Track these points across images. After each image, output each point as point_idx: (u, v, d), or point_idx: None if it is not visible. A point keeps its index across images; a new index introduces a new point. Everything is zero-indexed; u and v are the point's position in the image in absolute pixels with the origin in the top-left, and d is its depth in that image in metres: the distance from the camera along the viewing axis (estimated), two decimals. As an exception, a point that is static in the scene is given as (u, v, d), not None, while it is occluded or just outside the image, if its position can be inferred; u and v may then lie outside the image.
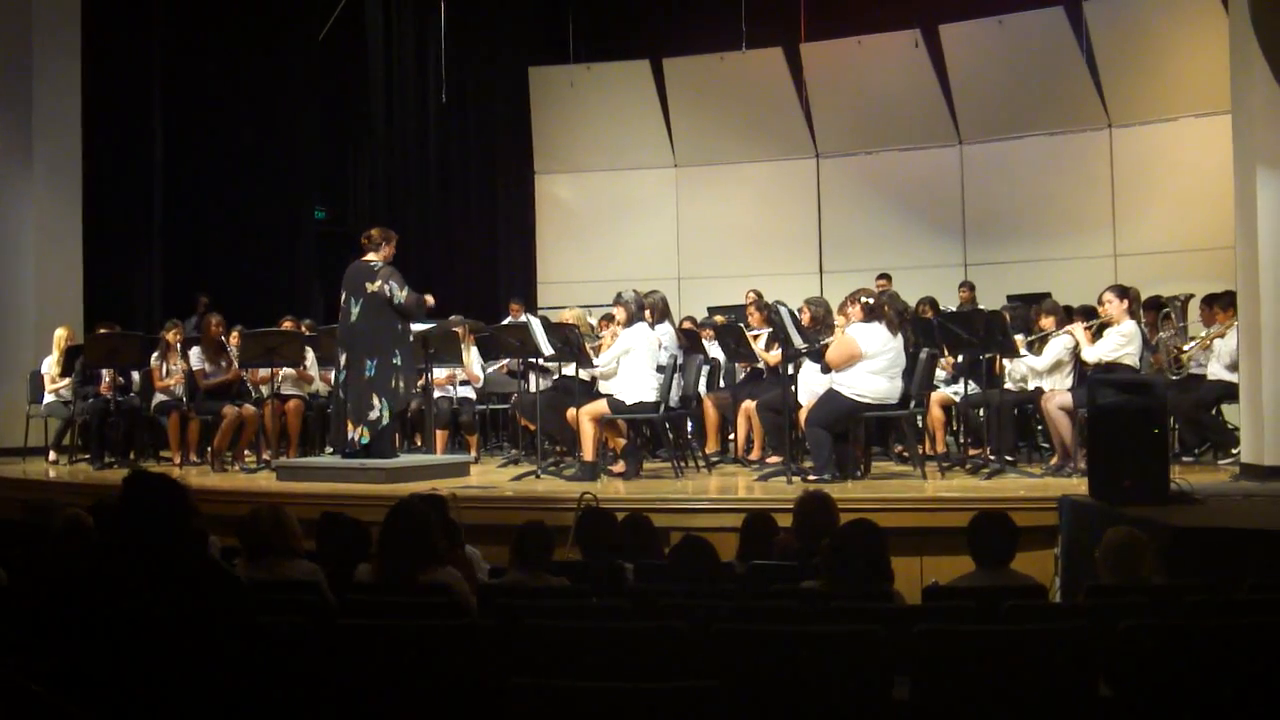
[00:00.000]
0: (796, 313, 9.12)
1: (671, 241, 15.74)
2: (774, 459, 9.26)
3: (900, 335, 8.51)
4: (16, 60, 11.88)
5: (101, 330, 10.80)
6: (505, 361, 11.12)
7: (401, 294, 8.83)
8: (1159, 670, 3.68)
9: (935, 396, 9.39)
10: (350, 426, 8.85)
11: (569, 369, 9.70)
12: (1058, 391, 8.63)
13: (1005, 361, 9.11)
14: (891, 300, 8.83)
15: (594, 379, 9.33)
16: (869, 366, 8.31)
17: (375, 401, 8.84)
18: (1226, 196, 8.69)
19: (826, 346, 8.60)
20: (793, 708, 3.68)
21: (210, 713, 3.42)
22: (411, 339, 9.15)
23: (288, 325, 10.86)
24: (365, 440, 8.82)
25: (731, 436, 10.31)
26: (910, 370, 8.59)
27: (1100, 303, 8.71)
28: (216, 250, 14.06)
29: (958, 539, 5.38)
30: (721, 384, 10.76)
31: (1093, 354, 8.49)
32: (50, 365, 10.97)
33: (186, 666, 3.41)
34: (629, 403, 8.88)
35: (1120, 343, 8.44)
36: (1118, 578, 4.69)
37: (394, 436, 9.31)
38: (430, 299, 9.14)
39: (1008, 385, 9.13)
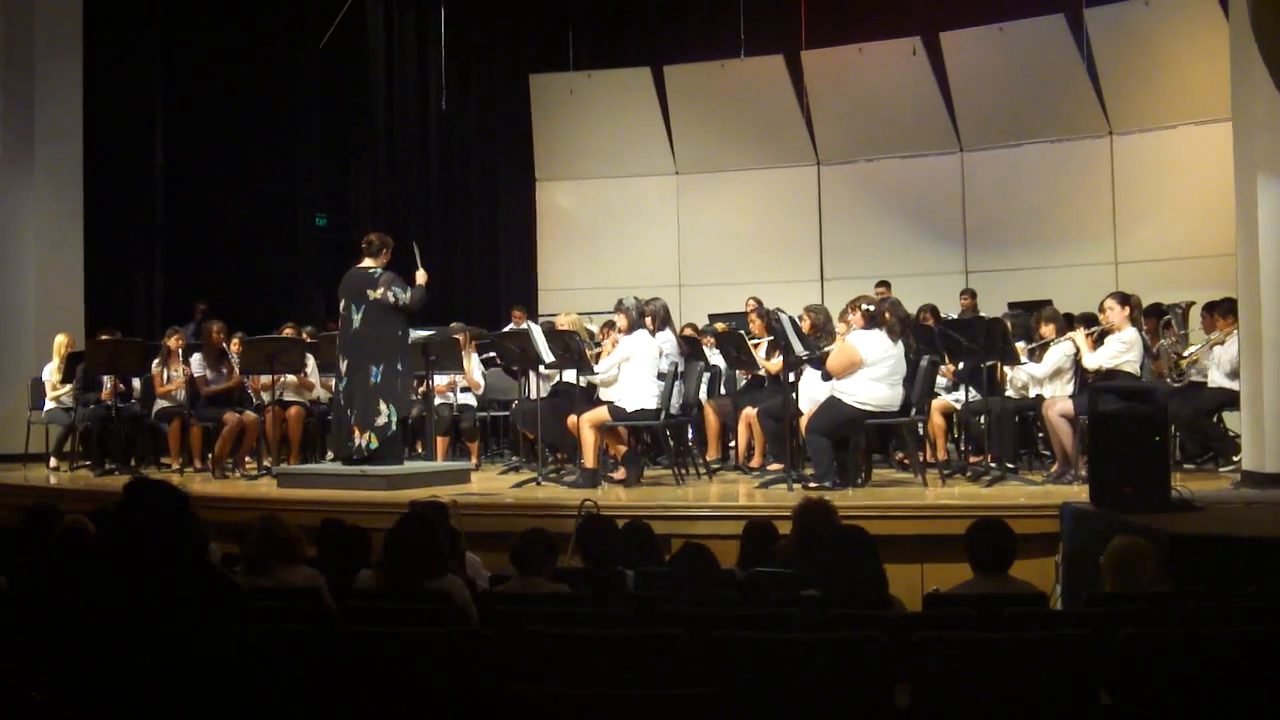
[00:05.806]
0: (797, 320, 9.12)
1: (672, 249, 15.73)
2: (775, 466, 9.26)
3: (901, 342, 8.51)
4: (19, 66, 11.91)
5: (103, 337, 10.80)
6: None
7: (405, 296, 8.84)
8: (1160, 678, 3.67)
9: (936, 404, 9.39)
10: (357, 433, 8.84)
11: (567, 375, 9.69)
12: (1059, 399, 8.62)
13: (1006, 369, 9.10)
14: (893, 307, 8.80)
15: (594, 386, 9.33)
16: (870, 374, 8.31)
17: (382, 407, 8.83)
18: (1227, 204, 8.68)
19: (827, 354, 8.60)
20: (793, 715, 3.68)
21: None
22: (409, 344, 9.16)
23: (289, 332, 10.88)
24: (374, 446, 8.82)
25: (732, 444, 10.30)
26: (911, 377, 8.59)
27: (1101, 310, 8.71)
28: (218, 257, 14.06)
29: (959, 546, 5.37)
30: (722, 391, 10.75)
31: (1093, 361, 8.48)
32: (51, 372, 10.97)
33: (186, 673, 3.41)
34: (630, 410, 8.88)
35: (1121, 350, 8.44)
36: (1120, 585, 4.68)
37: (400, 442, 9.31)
38: (422, 275, 9.06)
39: (1009, 393, 9.12)
